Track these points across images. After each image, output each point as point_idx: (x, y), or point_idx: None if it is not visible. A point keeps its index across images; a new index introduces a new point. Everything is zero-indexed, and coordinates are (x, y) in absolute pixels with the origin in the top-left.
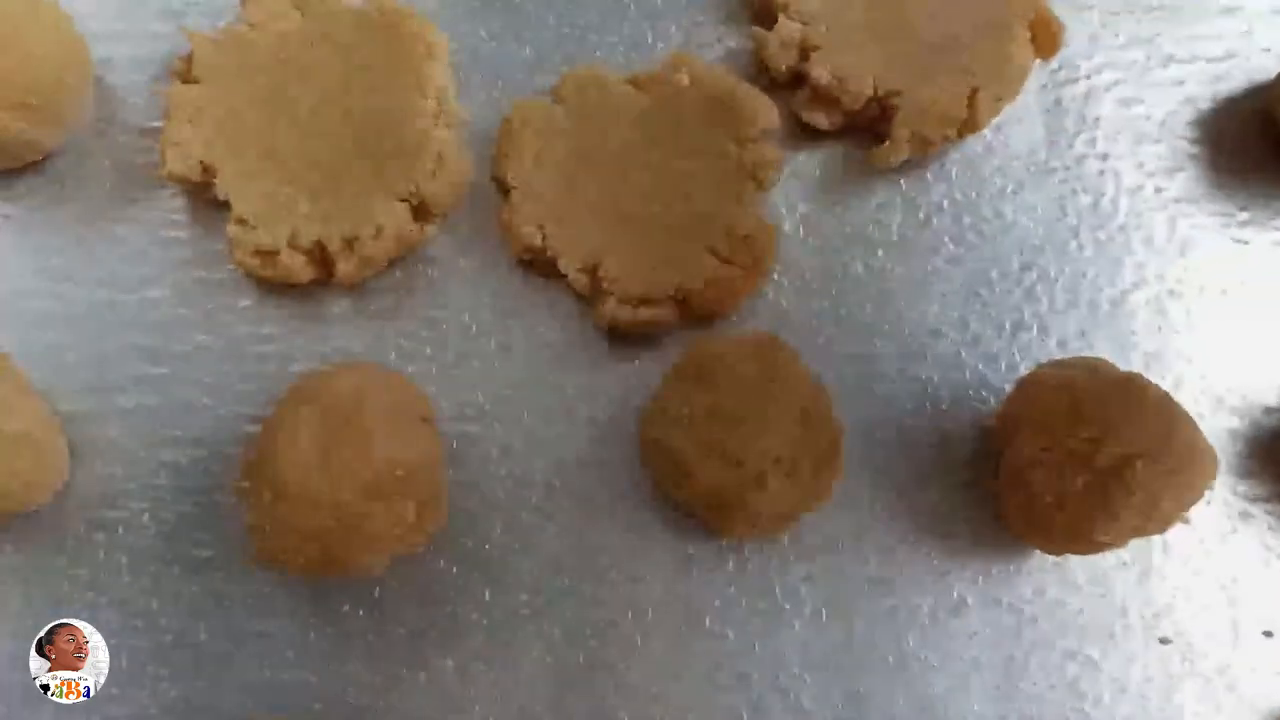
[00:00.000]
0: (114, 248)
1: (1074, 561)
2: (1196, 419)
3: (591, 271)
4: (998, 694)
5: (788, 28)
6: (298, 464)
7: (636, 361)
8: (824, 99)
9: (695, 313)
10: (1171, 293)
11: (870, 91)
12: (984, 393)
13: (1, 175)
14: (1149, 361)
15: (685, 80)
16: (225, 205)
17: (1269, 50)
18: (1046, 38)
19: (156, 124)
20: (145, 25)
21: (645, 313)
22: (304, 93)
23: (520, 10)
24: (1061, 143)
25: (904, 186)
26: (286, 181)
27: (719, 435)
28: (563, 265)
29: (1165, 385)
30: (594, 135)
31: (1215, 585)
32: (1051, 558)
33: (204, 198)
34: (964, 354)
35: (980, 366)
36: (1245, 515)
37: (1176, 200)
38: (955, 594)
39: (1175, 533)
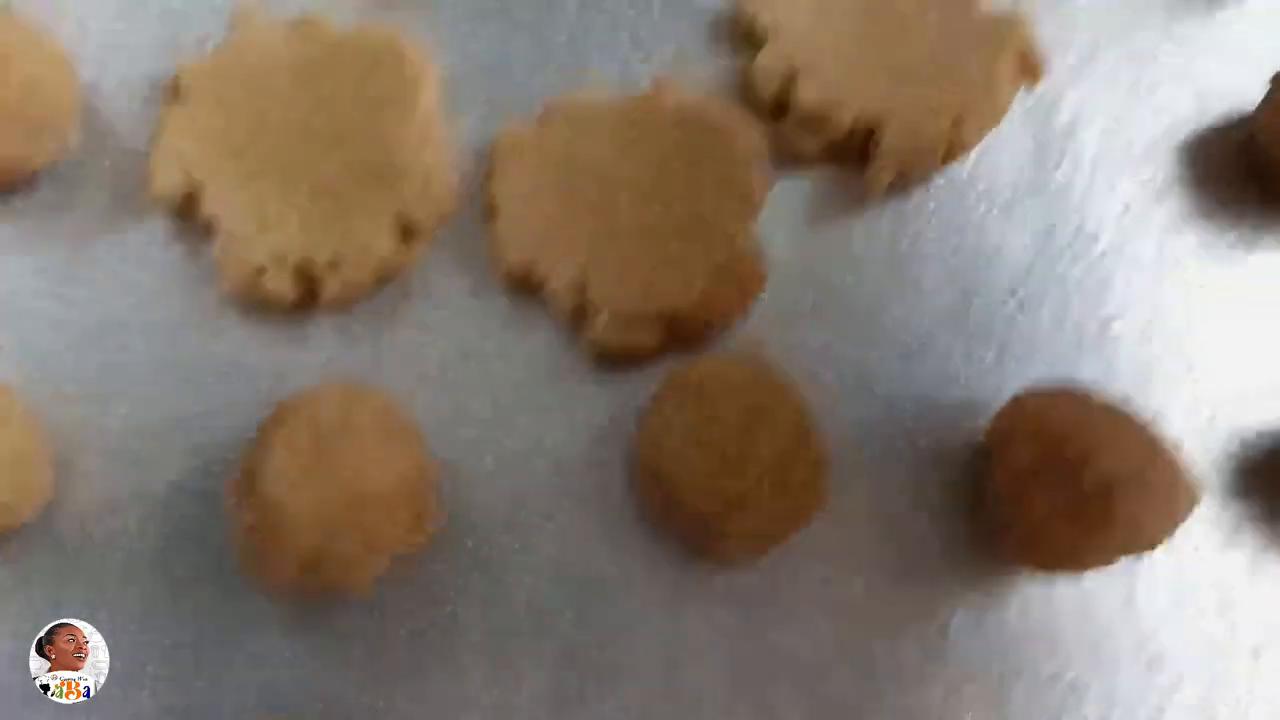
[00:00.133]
0: (103, 268)
1: (1061, 581)
2: (1186, 441)
3: (579, 293)
4: (986, 713)
5: (774, 53)
6: (280, 484)
7: (624, 384)
8: (810, 123)
9: (683, 335)
10: (1159, 316)
11: (855, 116)
12: (972, 415)
13: None
14: (1137, 384)
15: (671, 105)
16: (213, 226)
17: (1253, 79)
18: (1030, 65)
19: (145, 146)
20: (134, 47)
21: (633, 335)
22: (292, 115)
23: (509, 34)
24: (1048, 167)
25: (890, 211)
26: (274, 203)
27: (707, 456)
28: (550, 288)
29: (1153, 408)
30: (581, 159)
31: (1205, 605)
32: (1039, 577)
33: (191, 218)
34: (950, 377)
35: (967, 389)
36: (1235, 535)
37: (1162, 225)
38: (943, 614)
39: (1164, 552)
